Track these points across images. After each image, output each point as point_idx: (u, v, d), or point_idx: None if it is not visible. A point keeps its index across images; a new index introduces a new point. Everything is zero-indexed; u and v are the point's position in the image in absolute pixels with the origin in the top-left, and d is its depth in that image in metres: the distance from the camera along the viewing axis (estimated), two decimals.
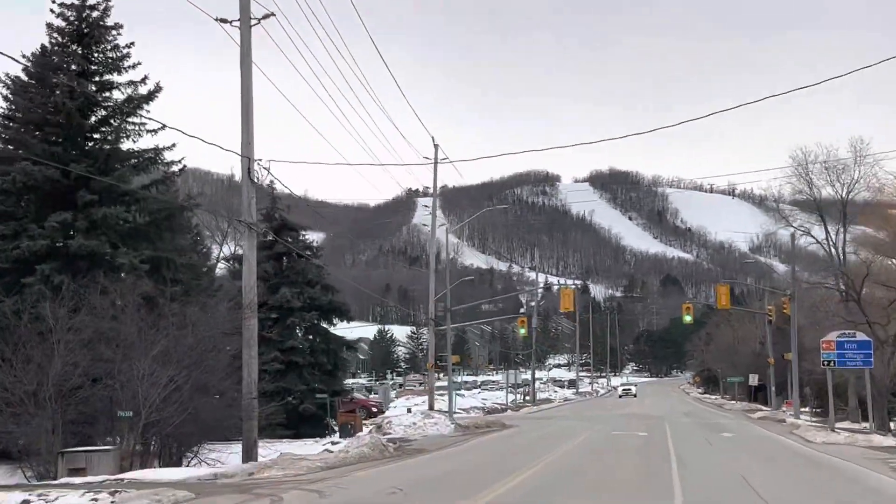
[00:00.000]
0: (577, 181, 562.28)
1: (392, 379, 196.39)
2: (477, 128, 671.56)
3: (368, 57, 39.28)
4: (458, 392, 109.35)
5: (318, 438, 40.28)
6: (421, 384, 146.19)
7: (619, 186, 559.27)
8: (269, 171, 29.37)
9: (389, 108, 43.42)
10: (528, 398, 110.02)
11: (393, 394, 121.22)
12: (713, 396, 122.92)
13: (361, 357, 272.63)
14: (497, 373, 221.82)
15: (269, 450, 34.65)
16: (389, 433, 43.13)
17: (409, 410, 58.22)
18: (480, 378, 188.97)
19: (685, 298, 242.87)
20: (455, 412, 72.69)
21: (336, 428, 43.47)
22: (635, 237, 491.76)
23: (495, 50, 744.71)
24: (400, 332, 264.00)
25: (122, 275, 32.08)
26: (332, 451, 30.85)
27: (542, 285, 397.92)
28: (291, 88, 35.63)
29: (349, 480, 22.62)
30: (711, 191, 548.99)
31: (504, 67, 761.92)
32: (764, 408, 72.85)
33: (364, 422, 46.41)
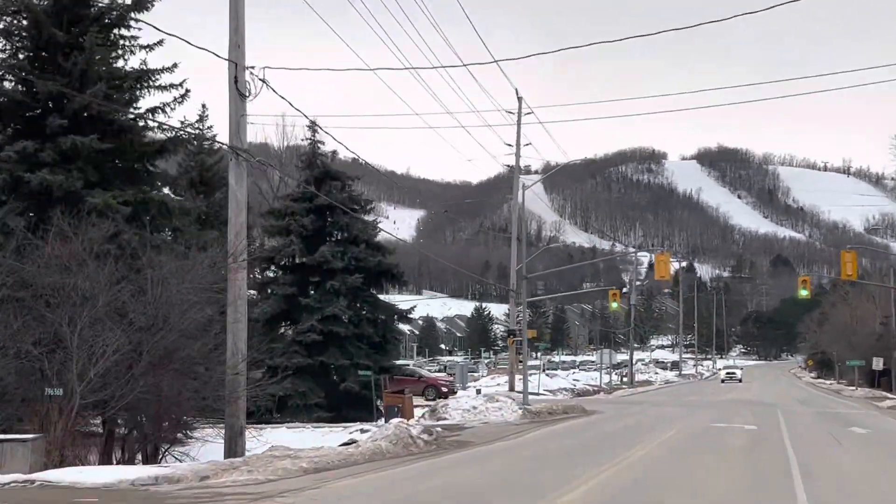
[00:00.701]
0: (683, 158, 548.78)
1: (489, 357, 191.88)
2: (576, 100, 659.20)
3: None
4: (547, 372, 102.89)
5: (357, 424, 33.53)
6: (498, 365, 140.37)
7: (727, 164, 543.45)
8: (264, 83, 22.46)
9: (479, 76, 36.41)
10: (625, 380, 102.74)
11: (483, 372, 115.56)
12: (828, 381, 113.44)
13: (459, 335, 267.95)
14: (597, 353, 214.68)
15: (275, 437, 28.23)
16: (445, 418, 36.33)
17: (478, 392, 51.40)
18: (579, 358, 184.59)
19: (796, 279, 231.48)
20: (539, 394, 65.85)
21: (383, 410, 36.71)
22: (744, 216, 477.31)
23: (596, 20, 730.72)
24: (498, 309, 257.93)
25: (95, 218, 25.62)
26: (355, 442, 24.15)
27: (645, 264, 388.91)
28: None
29: (324, 494, 15.84)
30: (825, 169, 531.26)
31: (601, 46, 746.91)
32: (890, 395, 64.10)
33: (431, 402, 39.66)
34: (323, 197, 37.50)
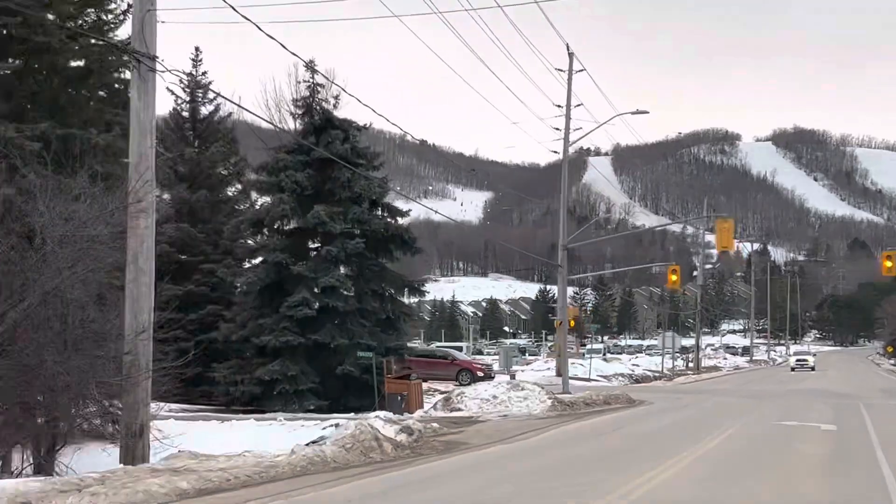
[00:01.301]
0: (758, 140, 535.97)
1: (553, 340, 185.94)
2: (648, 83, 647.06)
3: None
4: (606, 356, 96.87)
5: (338, 416, 27.79)
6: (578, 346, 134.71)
7: (804, 145, 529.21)
8: None
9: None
10: (691, 365, 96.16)
11: (543, 356, 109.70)
12: None
13: (523, 317, 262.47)
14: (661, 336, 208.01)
15: (234, 434, 22.74)
16: (459, 409, 30.60)
17: (512, 377, 45.48)
18: (647, 342, 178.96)
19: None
20: (590, 379, 59.87)
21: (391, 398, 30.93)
22: (821, 199, 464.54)
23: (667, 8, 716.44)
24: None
25: None
26: (320, 441, 18.43)
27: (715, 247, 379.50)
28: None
29: None
30: None
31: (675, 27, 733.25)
32: None
33: (464, 388, 33.89)
34: (319, 150, 31.77)
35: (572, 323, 63.64)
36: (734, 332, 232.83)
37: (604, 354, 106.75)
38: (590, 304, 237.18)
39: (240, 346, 32.35)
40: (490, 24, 32.75)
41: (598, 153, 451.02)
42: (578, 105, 60.24)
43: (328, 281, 31.28)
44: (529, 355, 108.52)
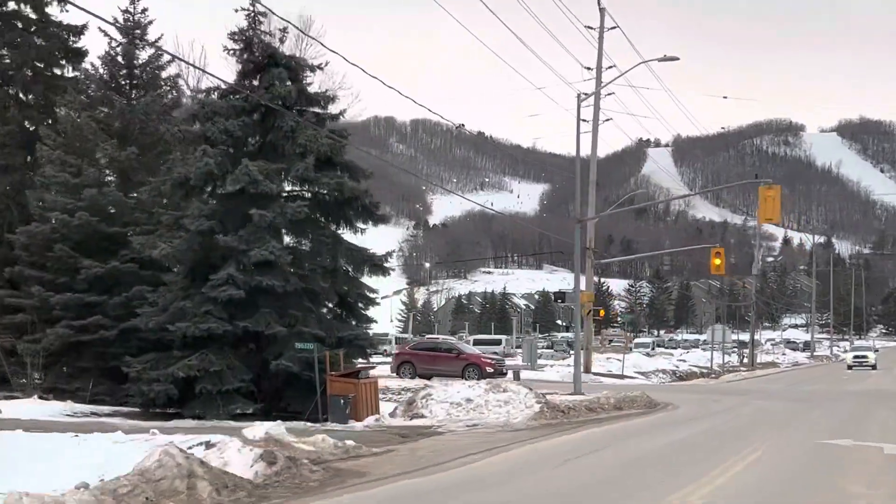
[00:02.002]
0: (823, 131, 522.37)
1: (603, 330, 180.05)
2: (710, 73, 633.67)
3: None
4: (648, 351, 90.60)
5: (294, 422, 21.65)
6: (612, 341, 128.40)
7: (870, 136, 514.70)
8: None
9: None
10: (745, 361, 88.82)
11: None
12: None
13: (629, 315, 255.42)
14: (709, 330, 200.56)
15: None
16: (422, 415, 24.47)
17: (502, 373, 39.33)
18: (703, 337, 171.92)
19: None
20: (624, 376, 53.36)
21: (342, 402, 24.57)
22: (887, 190, 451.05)
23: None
24: (618, 285, 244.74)
25: None
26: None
27: (779, 240, 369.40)
28: None
29: None
30: None
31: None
32: None
33: (433, 389, 27.36)
34: (260, 95, 25.44)
35: (602, 312, 57.16)
36: (796, 326, 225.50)
37: (652, 348, 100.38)
38: (646, 298, 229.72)
39: (160, 337, 26.18)
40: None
41: (657, 144, 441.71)
42: (610, 67, 53.91)
43: (261, 254, 24.89)
44: (582, 349, 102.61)
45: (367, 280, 28.26)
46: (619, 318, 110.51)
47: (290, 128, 26.14)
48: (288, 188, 26.59)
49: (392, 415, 25.09)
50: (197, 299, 25.43)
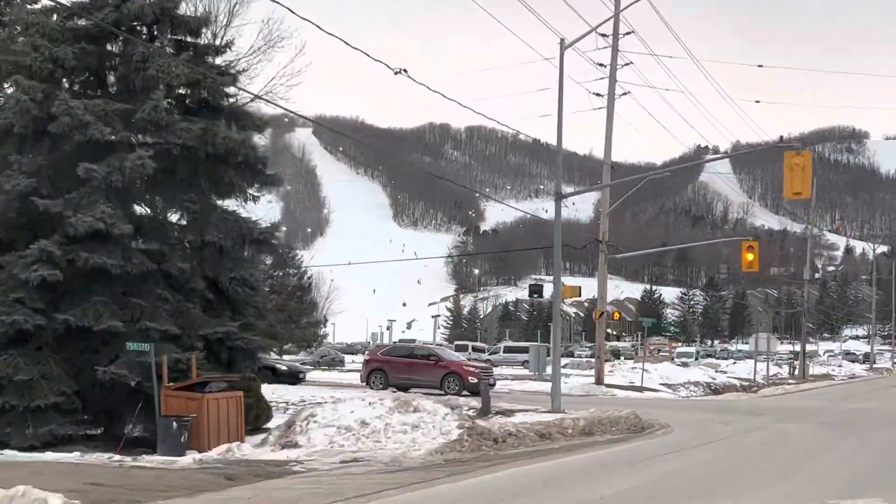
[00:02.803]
0: (887, 138, 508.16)
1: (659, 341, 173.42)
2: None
3: None
4: (682, 360, 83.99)
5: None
6: (661, 351, 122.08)
7: None
8: None
9: None
10: (797, 372, 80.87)
11: (619, 359, 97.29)
12: None
13: (628, 319, 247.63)
14: (782, 342, 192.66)
15: None
16: (297, 444, 17.68)
17: (489, 385, 32.53)
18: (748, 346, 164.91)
19: None
20: (642, 388, 46.39)
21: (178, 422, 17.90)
22: None
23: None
24: (671, 293, 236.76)
25: None
26: None
27: (840, 249, 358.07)
28: None
29: None
30: None
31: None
32: None
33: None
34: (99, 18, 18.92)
35: (617, 315, 50.25)
36: (857, 338, 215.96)
37: (696, 358, 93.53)
38: (699, 307, 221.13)
39: None
40: None
41: (716, 151, 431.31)
42: (628, 33, 47.04)
43: (85, 222, 18.31)
44: (625, 359, 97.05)
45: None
46: (642, 321, 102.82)
47: (142, 56, 19.56)
48: (120, 134, 19.75)
49: (263, 443, 18.43)
50: (10, 283, 18.90)
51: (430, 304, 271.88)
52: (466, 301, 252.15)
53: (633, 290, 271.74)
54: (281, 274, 66.40)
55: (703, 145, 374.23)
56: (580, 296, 28.26)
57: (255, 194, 21.01)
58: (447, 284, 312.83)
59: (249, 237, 20.40)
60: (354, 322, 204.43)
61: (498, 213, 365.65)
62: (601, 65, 46.28)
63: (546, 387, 45.65)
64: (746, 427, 25.58)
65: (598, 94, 46.79)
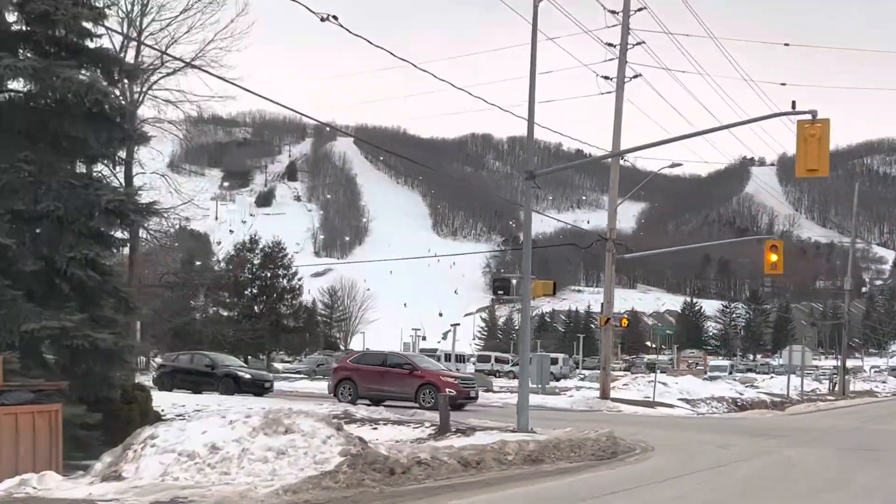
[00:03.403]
0: None
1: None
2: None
3: None
4: (710, 375, 79.75)
5: None
6: (699, 364, 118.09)
7: None
8: None
9: None
10: (836, 388, 76.44)
11: (654, 372, 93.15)
12: None
13: (668, 332, 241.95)
14: (826, 357, 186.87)
15: None
16: (118, 476, 13.19)
17: (469, 397, 28.31)
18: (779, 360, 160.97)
19: None
20: (659, 405, 41.91)
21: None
22: None
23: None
24: (711, 306, 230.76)
25: None
26: None
27: (889, 262, 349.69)
28: None
29: None
30: None
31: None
32: None
33: (163, 430, 15.98)
34: None
35: (625, 322, 45.68)
36: None
37: (729, 372, 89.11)
38: (741, 320, 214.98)
39: None
40: None
41: (762, 163, 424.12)
42: (640, 9, 42.56)
43: None
44: (661, 372, 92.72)
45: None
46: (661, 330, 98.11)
47: None
48: None
49: (87, 472, 14.08)
50: None
51: (466, 315, 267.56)
52: (503, 311, 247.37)
53: (674, 303, 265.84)
54: (269, 275, 62.27)
55: (748, 157, 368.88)
56: (554, 293, 23.93)
57: (117, 156, 16.67)
58: (484, 294, 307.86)
59: (99, 207, 16.06)
60: (388, 331, 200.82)
61: (538, 224, 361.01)
62: (610, 45, 41.82)
63: (549, 401, 41.18)
64: (748, 452, 21.00)
65: (607, 78, 42.35)
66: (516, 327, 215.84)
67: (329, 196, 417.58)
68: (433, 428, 23.65)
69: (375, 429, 24.70)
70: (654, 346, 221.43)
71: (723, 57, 43.49)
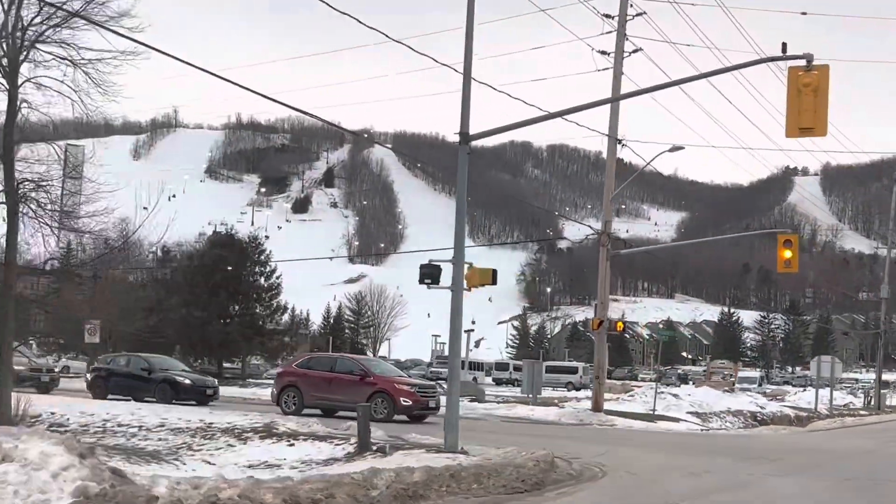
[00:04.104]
0: None
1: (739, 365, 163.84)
2: None
3: None
4: (741, 387, 75.15)
5: None
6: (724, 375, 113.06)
7: None
8: None
9: None
10: (871, 402, 72.32)
11: (689, 386, 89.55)
12: None
13: (705, 342, 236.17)
14: (868, 369, 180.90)
15: None
16: None
17: (428, 408, 24.16)
18: (844, 374, 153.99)
19: None
20: (665, 417, 37.69)
21: None
22: None
23: None
24: (750, 316, 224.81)
25: None
26: None
27: None
28: None
29: None
30: None
31: None
32: None
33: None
34: None
35: (620, 326, 41.40)
36: None
37: (759, 384, 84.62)
38: (780, 332, 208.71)
39: None
40: None
41: (805, 173, 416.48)
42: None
43: None
44: (693, 384, 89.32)
45: None
46: (747, 353, 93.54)
47: None
48: None
49: None
50: None
51: (499, 323, 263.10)
52: (537, 320, 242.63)
53: (712, 313, 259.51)
54: (245, 273, 58.14)
55: (791, 166, 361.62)
56: (493, 282, 19.84)
57: None
58: (519, 303, 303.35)
59: None
60: (419, 338, 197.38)
61: (574, 232, 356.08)
62: (608, 16, 37.49)
63: (537, 413, 36.90)
64: (721, 482, 16.81)
65: (604, 53, 38.00)
66: (549, 335, 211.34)
67: (365, 202, 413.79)
68: (354, 446, 19.75)
69: (292, 445, 20.87)
70: (689, 356, 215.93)
71: (733, 28, 38.97)
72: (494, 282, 20.13)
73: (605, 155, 40.88)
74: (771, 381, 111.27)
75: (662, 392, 49.42)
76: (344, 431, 23.11)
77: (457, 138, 20.61)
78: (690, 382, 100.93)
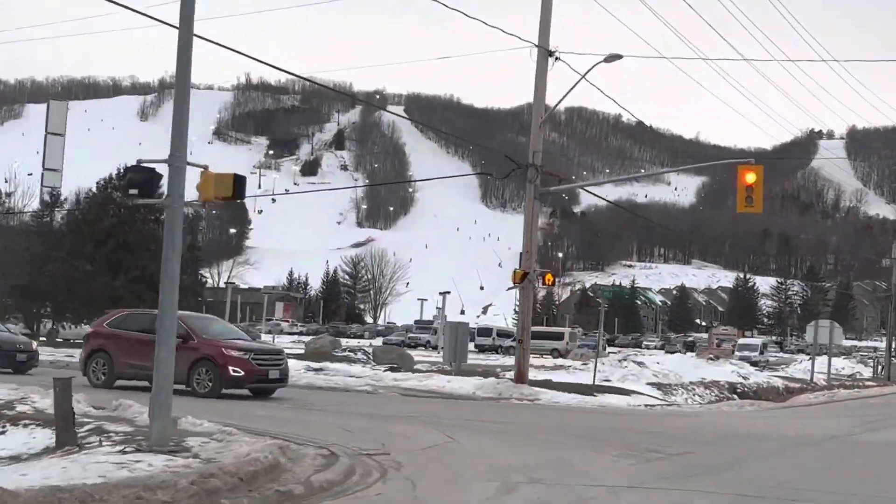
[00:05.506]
0: None
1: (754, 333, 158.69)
2: None
3: None
4: (741, 355, 69.56)
5: None
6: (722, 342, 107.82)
7: None
8: None
9: None
10: (881, 373, 65.83)
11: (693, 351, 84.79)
12: None
13: (720, 309, 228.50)
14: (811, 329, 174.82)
15: None
16: None
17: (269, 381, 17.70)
18: (862, 343, 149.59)
19: None
20: (631, 391, 30.82)
21: None
22: None
23: None
24: (766, 282, 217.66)
25: None
26: None
27: None
28: None
29: None
30: None
31: None
32: None
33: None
34: None
35: (549, 278, 34.35)
36: None
37: (760, 352, 79.49)
38: (798, 298, 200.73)
39: None
40: None
41: (830, 136, 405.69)
42: None
43: None
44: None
45: None
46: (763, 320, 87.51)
47: None
48: None
49: None
50: None
51: (508, 289, 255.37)
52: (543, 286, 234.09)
53: (729, 279, 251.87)
54: (138, 218, 50.67)
55: (815, 129, 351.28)
56: (234, 196, 13.99)
57: None
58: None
59: None
60: (426, 304, 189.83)
61: (591, 197, 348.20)
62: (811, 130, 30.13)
63: (453, 385, 30.00)
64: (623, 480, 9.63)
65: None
66: (556, 302, 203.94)
67: (376, 165, 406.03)
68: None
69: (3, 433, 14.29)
70: (703, 323, 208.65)
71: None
72: (238, 195, 13.08)
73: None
74: (785, 350, 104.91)
75: (625, 361, 42.58)
76: (112, 412, 16.57)
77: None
78: (696, 349, 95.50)
